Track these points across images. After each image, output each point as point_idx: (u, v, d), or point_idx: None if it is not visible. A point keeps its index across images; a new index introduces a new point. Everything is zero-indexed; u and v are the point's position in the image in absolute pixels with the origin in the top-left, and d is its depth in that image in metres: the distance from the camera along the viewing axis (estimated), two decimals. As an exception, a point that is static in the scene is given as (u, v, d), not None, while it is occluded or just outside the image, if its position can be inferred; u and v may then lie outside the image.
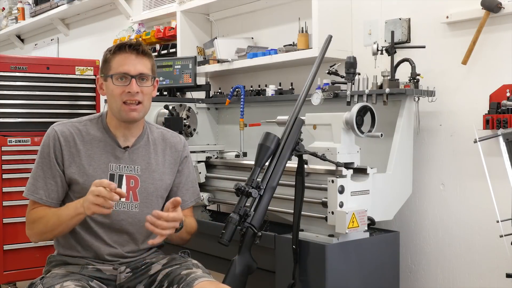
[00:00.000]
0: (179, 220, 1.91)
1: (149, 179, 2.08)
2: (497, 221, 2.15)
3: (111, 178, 2.02)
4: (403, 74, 2.62)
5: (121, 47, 2.00)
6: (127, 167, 2.05)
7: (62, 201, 2.04)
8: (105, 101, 3.74)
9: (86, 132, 2.05)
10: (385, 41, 2.79)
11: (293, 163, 2.24)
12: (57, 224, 1.94)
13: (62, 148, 2.01)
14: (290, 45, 3.23)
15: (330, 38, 2.36)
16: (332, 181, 2.23)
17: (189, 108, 3.41)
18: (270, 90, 3.24)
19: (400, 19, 2.80)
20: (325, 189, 2.27)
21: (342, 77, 2.71)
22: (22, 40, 7.00)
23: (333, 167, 2.28)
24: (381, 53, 2.67)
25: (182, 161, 2.20)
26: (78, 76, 3.72)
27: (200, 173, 2.99)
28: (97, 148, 2.04)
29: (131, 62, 1.99)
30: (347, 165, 2.28)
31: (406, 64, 2.61)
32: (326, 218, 2.26)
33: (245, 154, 3.11)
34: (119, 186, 2.02)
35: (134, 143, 2.09)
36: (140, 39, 4.35)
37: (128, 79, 1.98)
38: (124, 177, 2.04)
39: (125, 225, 2.04)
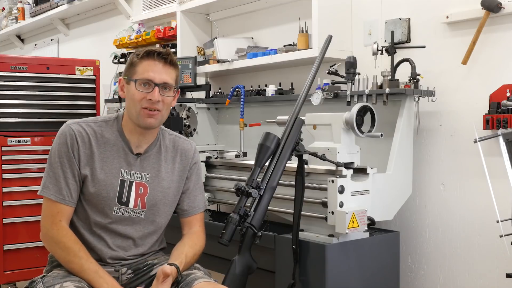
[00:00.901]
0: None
1: (158, 187, 2.07)
2: (497, 221, 2.15)
3: (122, 184, 2.00)
4: (403, 74, 2.62)
5: (149, 53, 1.98)
6: (138, 174, 2.04)
7: None
8: (104, 101, 3.76)
9: (101, 135, 2.02)
10: (385, 41, 2.79)
11: (293, 163, 2.24)
12: (75, 270, 1.91)
13: (79, 148, 1.98)
14: (290, 45, 3.23)
15: (330, 38, 2.36)
16: (332, 181, 2.22)
17: (189, 108, 3.41)
18: (270, 90, 3.24)
19: (400, 19, 2.80)
20: (325, 189, 2.27)
21: (342, 77, 2.71)
22: (22, 40, 7.00)
23: (333, 167, 2.28)
24: (381, 53, 2.67)
25: (192, 167, 2.17)
26: (78, 76, 3.73)
27: (200, 173, 2.99)
28: (110, 152, 2.02)
29: (157, 70, 1.97)
30: (347, 165, 2.28)
31: (406, 64, 2.61)
32: (326, 218, 2.26)
33: (245, 154, 3.11)
34: (128, 193, 2.01)
35: (146, 150, 2.07)
36: (140, 39, 4.36)
37: (152, 86, 1.96)
38: (134, 184, 2.03)
39: (129, 231, 2.03)
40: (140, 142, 2.05)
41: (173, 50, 4.01)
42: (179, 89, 2.09)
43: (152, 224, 2.08)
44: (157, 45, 4.32)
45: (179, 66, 2.07)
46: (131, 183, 2.02)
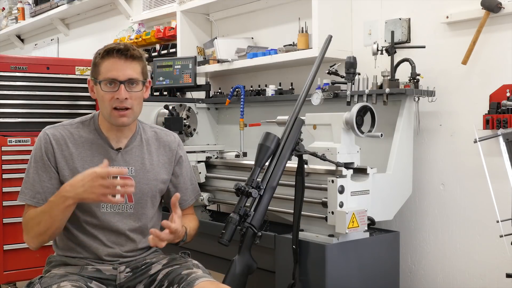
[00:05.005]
0: (179, 233, 1.93)
1: (144, 179, 2.08)
2: (497, 221, 2.15)
3: None
4: (403, 74, 2.62)
5: (109, 52, 1.97)
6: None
7: None
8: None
9: (78, 135, 2.04)
10: (385, 41, 2.79)
11: (293, 163, 2.24)
12: (49, 222, 1.89)
13: (55, 151, 2.00)
14: (290, 45, 3.23)
15: (330, 38, 2.36)
16: (332, 181, 2.22)
17: (189, 108, 3.41)
18: (270, 90, 3.24)
19: (400, 19, 2.80)
20: (325, 189, 2.27)
21: (342, 77, 2.71)
22: (22, 40, 7.01)
23: (333, 167, 2.28)
24: (381, 53, 2.67)
25: (178, 161, 2.19)
26: (78, 76, 3.72)
27: (200, 173, 2.99)
28: (89, 150, 2.03)
29: (119, 67, 1.96)
30: (347, 165, 2.28)
31: (406, 64, 2.61)
32: (326, 218, 2.26)
33: (245, 154, 3.11)
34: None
35: (127, 144, 2.08)
36: (140, 39, 4.36)
37: (117, 85, 1.95)
38: (118, 179, 2.03)
39: (121, 226, 2.04)
40: (118, 137, 2.07)
41: (173, 50, 4.01)
42: (150, 79, 2.09)
43: (142, 216, 2.09)
44: (157, 45, 4.32)
45: (144, 57, 2.05)
46: (115, 178, 2.02)
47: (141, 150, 2.10)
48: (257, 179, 2.11)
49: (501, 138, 2.22)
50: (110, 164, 2.02)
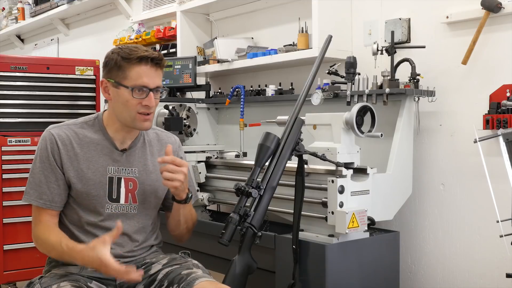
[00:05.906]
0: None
1: (147, 180, 2.08)
2: (497, 221, 2.15)
3: (110, 181, 2.01)
4: (403, 74, 2.62)
5: (142, 59, 1.94)
6: (125, 169, 2.05)
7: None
8: (104, 101, 3.75)
9: (83, 135, 2.04)
10: (385, 41, 2.79)
11: (293, 163, 2.24)
12: (58, 257, 1.97)
13: (60, 152, 1.99)
14: (290, 45, 3.23)
15: (330, 38, 2.36)
16: (332, 181, 2.22)
17: (189, 108, 3.41)
18: (270, 90, 3.24)
19: (400, 19, 2.80)
20: (325, 189, 2.27)
21: (342, 77, 2.71)
22: (22, 40, 7.01)
23: (333, 167, 2.28)
24: (381, 53, 2.67)
25: None
26: (78, 76, 3.72)
27: (200, 173, 2.99)
28: (94, 151, 2.03)
29: (150, 74, 1.96)
30: (347, 165, 2.28)
31: (406, 64, 2.61)
32: (326, 218, 2.26)
33: (245, 154, 3.11)
34: (118, 189, 2.02)
35: (131, 145, 2.08)
36: (140, 39, 4.35)
37: (146, 92, 1.96)
38: (123, 180, 2.04)
39: (124, 227, 2.03)
40: (124, 138, 2.07)
41: (173, 50, 4.01)
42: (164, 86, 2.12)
43: (145, 217, 2.10)
44: (157, 45, 4.32)
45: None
46: (119, 179, 2.03)
47: (144, 151, 2.11)
48: (257, 179, 2.11)
49: (501, 138, 2.22)
50: (114, 165, 2.04)
